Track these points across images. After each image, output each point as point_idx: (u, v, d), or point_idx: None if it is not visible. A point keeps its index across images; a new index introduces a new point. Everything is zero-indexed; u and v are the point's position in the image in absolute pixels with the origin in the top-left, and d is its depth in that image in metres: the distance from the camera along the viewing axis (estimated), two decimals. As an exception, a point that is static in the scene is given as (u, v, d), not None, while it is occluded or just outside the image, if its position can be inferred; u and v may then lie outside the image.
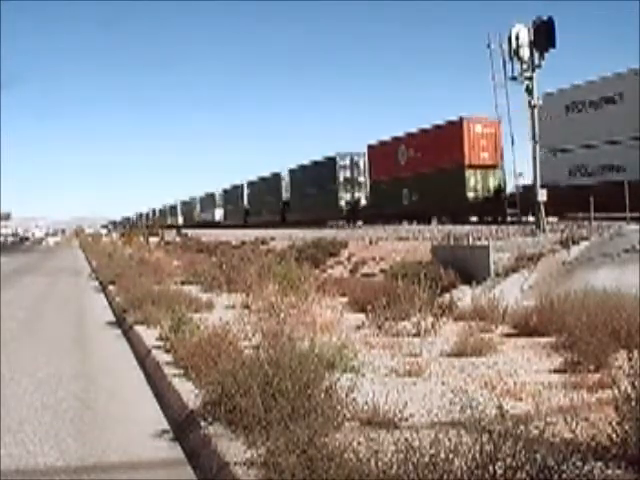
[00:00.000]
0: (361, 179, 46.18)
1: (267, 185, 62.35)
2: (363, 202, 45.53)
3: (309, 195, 51.40)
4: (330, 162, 47.82)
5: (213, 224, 73.99)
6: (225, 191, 76.89)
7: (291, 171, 57.20)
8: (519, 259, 14.11)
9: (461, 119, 33.64)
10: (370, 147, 43.74)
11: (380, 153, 41.77)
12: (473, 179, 33.54)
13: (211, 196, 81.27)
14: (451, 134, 33.85)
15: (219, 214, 77.88)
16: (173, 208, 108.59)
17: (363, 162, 45.80)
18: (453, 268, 13.76)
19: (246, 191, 68.86)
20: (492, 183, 33.58)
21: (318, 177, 49.37)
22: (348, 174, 46.66)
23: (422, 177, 36.07)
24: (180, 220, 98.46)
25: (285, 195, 58.09)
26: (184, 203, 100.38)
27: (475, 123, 33.39)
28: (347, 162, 46.89)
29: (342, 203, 46.18)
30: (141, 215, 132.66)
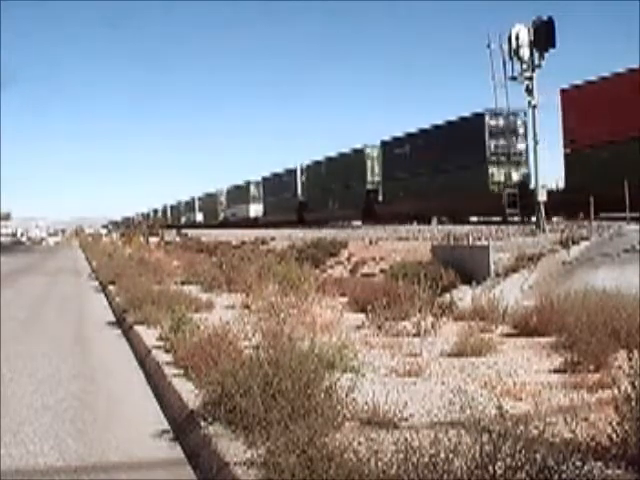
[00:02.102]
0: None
1: (281, 182, 58.07)
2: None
3: (332, 191, 46.75)
4: (359, 153, 43.16)
5: (246, 223, 63.25)
6: (264, 181, 65.06)
7: (308, 167, 52.86)
8: (519, 259, 14.12)
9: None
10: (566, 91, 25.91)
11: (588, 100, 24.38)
12: None
13: (245, 188, 69.59)
14: None
15: (256, 210, 66.24)
16: (191, 202, 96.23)
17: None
18: (453, 268, 13.77)
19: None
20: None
21: (345, 171, 44.66)
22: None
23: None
24: (199, 217, 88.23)
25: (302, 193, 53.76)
26: (207, 196, 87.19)
27: None
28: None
29: (496, 186, 30.96)
30: (149, 214, 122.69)
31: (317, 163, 52.00)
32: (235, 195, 73.04)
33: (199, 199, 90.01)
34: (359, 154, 44.04)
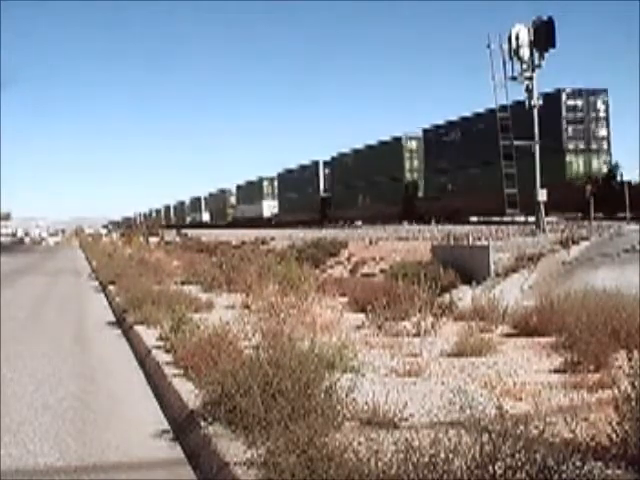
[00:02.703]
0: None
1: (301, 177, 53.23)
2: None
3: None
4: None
5: (258, 222, 58.62)
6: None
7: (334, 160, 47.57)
8: (519, 259, 14.13)
9: None
10: None
11: None
12: None
13: (258, 185, 64.60)
14: None
15: (268, 207, 61.96)
16: (195, 201, 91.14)
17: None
18: (453, 268, 13.78)
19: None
20: None
21: (378, 164, 39.41)
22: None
23: None
24: (206, 217, 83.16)
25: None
26: (214, 194, 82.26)
27: None
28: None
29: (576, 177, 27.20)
30: (151, 214, 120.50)
31: (343, 155, 47.35)
32: (246, 193, 67.93)
33: (205, 198, 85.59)
34: (395, 144, 39.44)
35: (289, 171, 56.70)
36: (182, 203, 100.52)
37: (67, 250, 57.53)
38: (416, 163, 38.94)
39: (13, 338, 10.38)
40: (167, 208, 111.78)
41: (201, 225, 78.20)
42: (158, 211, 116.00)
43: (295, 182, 54.30)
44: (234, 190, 74.09)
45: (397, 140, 39.54)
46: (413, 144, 38.89)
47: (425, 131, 38.27)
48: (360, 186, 43.28)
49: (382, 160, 40.16)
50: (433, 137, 37.02)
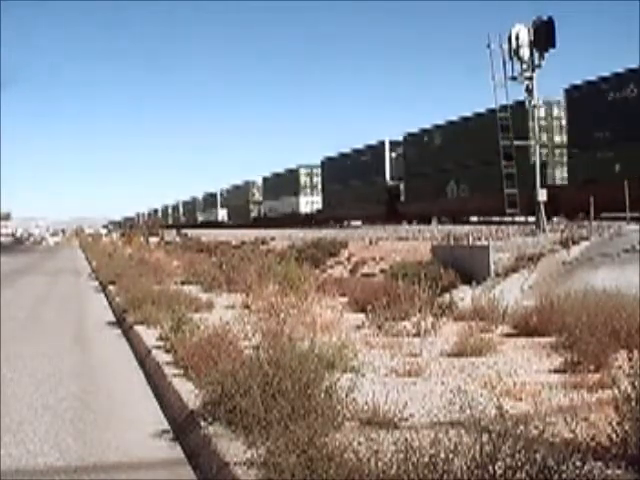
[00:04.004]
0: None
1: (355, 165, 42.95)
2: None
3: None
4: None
5: (294, 220, 49.39)
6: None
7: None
8: (519, 259, 14.11)
9: None
10: None
11: None
12: None
13: (293, 176, 53.93)
14: None
15: (307, 202, 52.61)
16: (209, 197, 79.52)
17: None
18: (453, 268, 13.77)
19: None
20: None
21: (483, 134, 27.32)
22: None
23: None
24: (222, 215, 72.98)
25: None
26: (233, 189, 71.13)
27: None
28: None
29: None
30: (156, 212, 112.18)
31: (424, 132, 36.05)
32: (276, 185, 57.47)
33: (222, 193, 74.73)
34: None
35: (343, 155, 46.03)
36: (194, 199, 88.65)
37: (67, 250, 57.52)
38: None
39: (13, 338, 10.38)
40: (175, 207, 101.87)
41: (217, 225, 68.13)
42: (165, 209, 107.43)
43: (348, 170, 43.94)
44: (259, 183, 64.01)
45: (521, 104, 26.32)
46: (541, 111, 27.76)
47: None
48: (452, 170, 32.35)
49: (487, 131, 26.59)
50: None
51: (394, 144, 40.23)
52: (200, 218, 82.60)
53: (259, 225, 54.11)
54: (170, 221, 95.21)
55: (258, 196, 64.22)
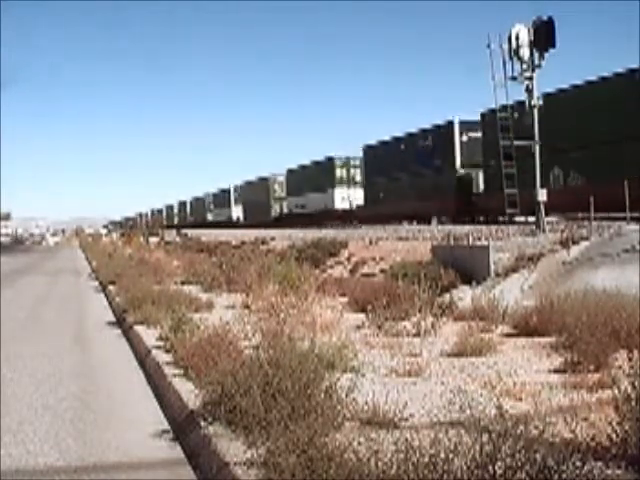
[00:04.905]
0: None
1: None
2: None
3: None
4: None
5: (329, 216, 43.67)
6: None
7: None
8: (519, 259, 14.11)
9: None
10: None
11: None
12: None
13: (327, 167, 46.75)
14: None
15: (343, 197, 45.45)
16: (221, 194, 71.61)
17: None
18: (453, 268, 13.76)
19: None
20: None
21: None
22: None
23: None
24: (237, 213, 66.23)
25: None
26: (250, 183, 63.52)
27: None
28: None
29: None
30: (160, 211, 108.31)
31: (519, 104, 22.65)
32: (304, 179, 50.51)
33: (237, 189, 67.42)
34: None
35: (396, 138, 38.17)
36: (207, 195, 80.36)
37: (67, 250, 57.54)
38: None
39: (13, 338, 10.38)
40: (181, 205, 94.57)
41: (231, 224, 61.24)
42: (170, 208, 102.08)
43: (399, 158, 36.68)
44: (281, 178, 57.32)
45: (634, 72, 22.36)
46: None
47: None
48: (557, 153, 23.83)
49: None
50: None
51: (465, 125, 33.26)
52: (210, 217, 76.49)
53: (283, 224, 47.70)
54: (176, 221, 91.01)
55: (280, 192, 57.34)
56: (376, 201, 39.88)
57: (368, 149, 42.79)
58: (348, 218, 41.85)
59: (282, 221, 51.57)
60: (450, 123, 33.92)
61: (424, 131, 35.87)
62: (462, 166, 33.26)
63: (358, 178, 45.89)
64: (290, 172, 55.38)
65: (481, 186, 31.91)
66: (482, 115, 30.74)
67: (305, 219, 46.15)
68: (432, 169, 34.60)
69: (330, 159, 47.47)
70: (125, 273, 18.16)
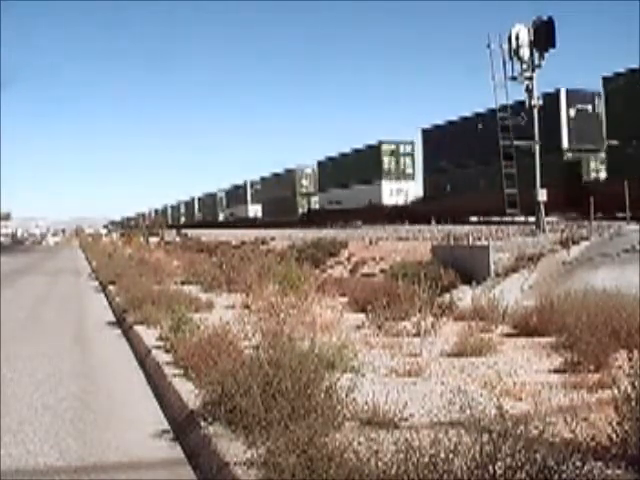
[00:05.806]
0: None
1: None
2: None
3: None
4: None
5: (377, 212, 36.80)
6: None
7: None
8: (519, 259, 14.12)
9: None
10: None
11: None
12: None
13: (372, 157, 39.22)
14: None
15: (392, 192, 38.08)
16: (234, 190, 64.73)
17: None
18: (453, 268, 13.77)
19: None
20: None
21: None
22: None
23: None
24: (254, 211, 58.77)
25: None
26: (269, 179, 56.43)
27: None
28: None
29: None
30: (165, 210, 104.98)
31: (505, 108, 18.77)
32: (341, 170, 43.10)
33: (254, 184, 60.56)
34: None
35: (464, 118, 31.59)
36: (221, 191, 73.37)
37: (67, 250, 57.52)
38: None
39: (13, 338, 10.38)
40: (188, 204, 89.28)
41: (248, 224, 53.96)
42: (176, 206, 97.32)
43: (472, 141, 29.53)
44: (308, 170, 51.01)
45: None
46: None
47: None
48: None
49: None
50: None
51: (573, 95, 26.83)
52: (221, 215, 70.70)
53: (314, 223, 40.68)
54: (182, 220, 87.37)
55: (308, 186, 50.99)
56: (439, 196, 33.03)
57: (430, 130, 35.49)
58: (400, 215, 34.59)
59: (312, 219, 45.21)
60: (555, 93, 26.60)
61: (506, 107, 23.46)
62: (569, 150, 26.98)
63: (409, 170, 39.23)
64: (321, 163, 48.55)
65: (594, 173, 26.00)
66: (604, 79, 24.94)
67: (341, 216, 39.69)
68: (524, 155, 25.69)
69: (372, 147, 40.13)
70: (125, 273, 18.16)
